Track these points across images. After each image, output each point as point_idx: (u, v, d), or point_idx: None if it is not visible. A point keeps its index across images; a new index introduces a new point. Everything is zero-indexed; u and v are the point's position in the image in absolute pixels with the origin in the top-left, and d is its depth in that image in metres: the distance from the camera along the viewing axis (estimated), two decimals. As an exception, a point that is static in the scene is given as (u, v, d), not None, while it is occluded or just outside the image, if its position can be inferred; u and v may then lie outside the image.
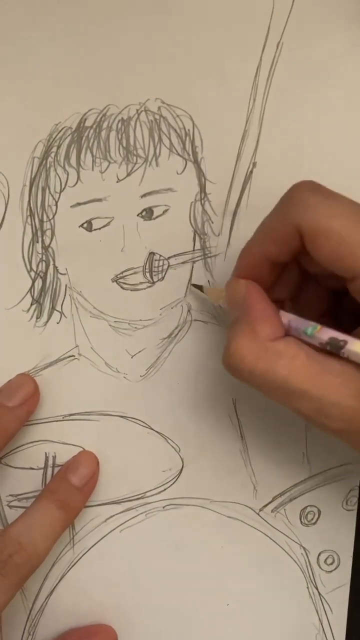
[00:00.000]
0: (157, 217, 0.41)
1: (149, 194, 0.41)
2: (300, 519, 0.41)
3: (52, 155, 0.41)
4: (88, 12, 0.41)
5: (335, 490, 0.41)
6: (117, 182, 0.41)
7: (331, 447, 0.40)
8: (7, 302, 0.40)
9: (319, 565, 0.41)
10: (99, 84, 0.41)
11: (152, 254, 0.41)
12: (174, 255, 0.41)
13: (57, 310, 0.40)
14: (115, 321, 0.41)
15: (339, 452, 0.40)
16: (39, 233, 0.40)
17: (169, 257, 0.41)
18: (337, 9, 0.41)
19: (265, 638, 0.41)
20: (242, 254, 0.36)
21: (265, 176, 0.41)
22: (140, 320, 0.41)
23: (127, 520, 0.41)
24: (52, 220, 0.41)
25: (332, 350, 0.32)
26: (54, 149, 0.41)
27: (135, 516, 0.41)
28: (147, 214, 0.41)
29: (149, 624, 0.41)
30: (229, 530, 0.41)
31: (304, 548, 0.41)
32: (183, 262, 0.41)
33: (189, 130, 0.41)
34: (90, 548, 0.40)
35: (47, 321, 0.40)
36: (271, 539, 0.41)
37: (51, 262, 0.40)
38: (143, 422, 0.41)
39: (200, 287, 0.40)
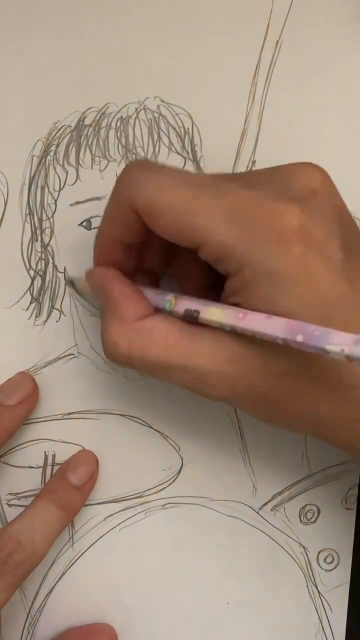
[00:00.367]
0: (156, 215, 0.41)
1: (148, 192, 0.41)
2: (300, 518, 0.41)
3: (51, 153, 0.41)
4: (87, 10, 0.41)
5: (335, 488, 0.41)
6: (116, 180, 0.41)
7: (330, 446, 0.40)
8: (6, 300, 0.40)
9: (318, 564, 0.41)
10: (98, 83, 0.41)
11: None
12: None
13: (56, 309, 0.40)
14: (114, 320, 0.41)
15: (338, 450, 0.40)
16: (38, 231, 0.40)
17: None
18: (336, 8, 0.41)
19: (264, 637, 0.41)
20: (95, 243, 0.35)
21: (265, 174, 0.41)
22: (140, 318, 0.41)
23: (127, 519, 0.41)
24: (51, 219, 0.40)
25: (192, 321, 0.32)
26: (53, 148, 0.41)
27: (135, 515, 0.41)
28: (146, 212, 0.41)
29: (148, 622, 0.41)
30: (228, 529, 0.41)
31: (304, 547, 0.41)
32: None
33: (188, 128, 0.41)
34: (90, 547, 0.40)
35: (46, 320, 0.40)
36: (271, 537, 0.41)
37: (50, 261, 0.40)
38: (142, 420, 0.41)
39: (72, 283, 0.39)
